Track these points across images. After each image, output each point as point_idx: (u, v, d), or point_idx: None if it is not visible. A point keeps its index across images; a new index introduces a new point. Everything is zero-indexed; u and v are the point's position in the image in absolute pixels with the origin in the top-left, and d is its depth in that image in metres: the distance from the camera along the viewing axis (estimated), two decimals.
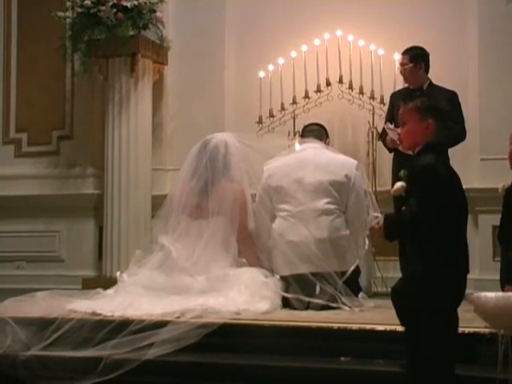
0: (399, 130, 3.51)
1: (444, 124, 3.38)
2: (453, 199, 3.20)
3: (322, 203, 4.78)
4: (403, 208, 3.31)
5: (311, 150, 5.03)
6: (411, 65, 5.47)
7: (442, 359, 3.09)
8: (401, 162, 5.02)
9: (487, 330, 3.24)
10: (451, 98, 5.36)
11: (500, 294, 3.28)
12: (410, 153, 3.46)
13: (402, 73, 5.57)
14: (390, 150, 5.57)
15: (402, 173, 3.40)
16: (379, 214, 3.60)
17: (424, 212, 3.12)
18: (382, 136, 5.67)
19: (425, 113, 3.31)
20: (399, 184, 3.40)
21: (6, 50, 7.42)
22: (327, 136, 5.36)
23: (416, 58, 5.48)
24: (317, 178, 4.83)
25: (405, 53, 5.55)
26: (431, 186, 3.15)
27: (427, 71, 5.54)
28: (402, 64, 5.57)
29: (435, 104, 3.42)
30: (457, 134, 5.28)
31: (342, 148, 5.79)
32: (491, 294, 3.20)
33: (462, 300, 3.26)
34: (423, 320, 3.10)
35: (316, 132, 5.26)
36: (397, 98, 5.48)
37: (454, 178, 3.29)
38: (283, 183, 4.89)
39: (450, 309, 3.18)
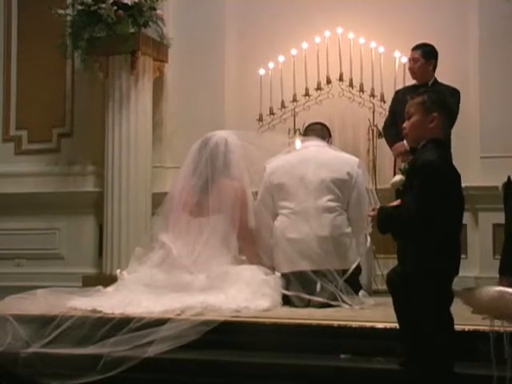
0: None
1: (450, 120, 3.34)
2: (451, 198, 3.17)
3: (324, 201, 4.78)
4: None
5: (313, 148, 5.04)
6: (423, 60, 5.48)
7: (440, 357, 3.08)
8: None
9: (487, 328, 3.22)
10: (451, 95, 5.36)
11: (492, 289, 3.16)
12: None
13: (412, 68, 5.56)
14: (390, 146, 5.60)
15: (403, 166, 3.39)
16: None
17: (422, 209, 3.10)
18: (385, 132, 5.73)
19: (431, 107, 3.26)
20: (398, 177, 3.39)
21: (6, 47, 7.41)
22: (329, 135, 5.36)
23: (428, 54, 5.49)
24: (319, 176, 4.83)
25: (416, 48, 5.54)
26: (430, 183, 3.12)
27: (435, 69, 5.54)
28: (413, 59, 5.55)
29: (443, 99, 3.38)
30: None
31: (342, 146, 5.80)
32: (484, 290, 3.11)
33: (452, 299, 3.21)
34: (414, 317, 3.09)
35: (318, 131, 5.27)
36: (402, 94, 5.44)
37: (455, 176, 3.26)
38: (285, 180, 4.89)
39: (440, 306, 3.15)
